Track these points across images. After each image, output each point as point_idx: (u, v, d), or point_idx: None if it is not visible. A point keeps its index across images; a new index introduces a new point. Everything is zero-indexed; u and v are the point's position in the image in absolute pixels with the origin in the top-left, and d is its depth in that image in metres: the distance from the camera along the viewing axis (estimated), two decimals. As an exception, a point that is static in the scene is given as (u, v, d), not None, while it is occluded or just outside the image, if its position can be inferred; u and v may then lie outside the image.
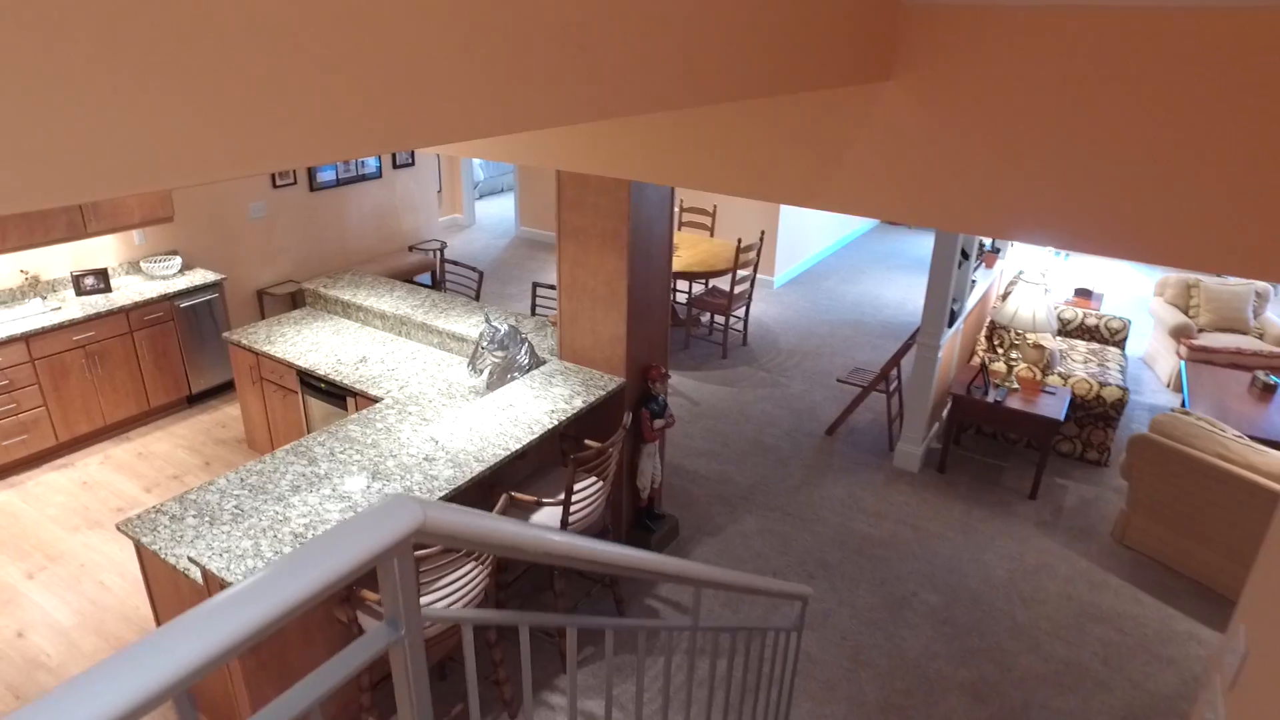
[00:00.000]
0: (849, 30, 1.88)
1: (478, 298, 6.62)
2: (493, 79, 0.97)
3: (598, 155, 2.63)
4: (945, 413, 6.32)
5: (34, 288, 5.94)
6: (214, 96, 0.70)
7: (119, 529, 3.35)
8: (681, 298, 8.67)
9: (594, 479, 3.85)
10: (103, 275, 6.08)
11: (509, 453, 3.74)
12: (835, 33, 1.83)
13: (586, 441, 4.10)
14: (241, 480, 3.69)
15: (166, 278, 6.43)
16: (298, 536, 3.13)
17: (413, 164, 8.78)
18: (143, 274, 6.49)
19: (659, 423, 4.55)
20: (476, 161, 13.15)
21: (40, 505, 5.25)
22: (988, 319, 6.92)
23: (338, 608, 3.21)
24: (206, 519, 3.40)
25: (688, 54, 1.37)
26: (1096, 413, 5.82)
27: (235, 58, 0.70)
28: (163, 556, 3.17)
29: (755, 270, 7.52)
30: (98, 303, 5.90)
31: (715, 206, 8.79)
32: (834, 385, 7.01)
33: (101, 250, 6.32)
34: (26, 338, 5.45)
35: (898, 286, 9.60)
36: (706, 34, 1.41)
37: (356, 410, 4.79)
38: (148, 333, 6.08)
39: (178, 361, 6.31)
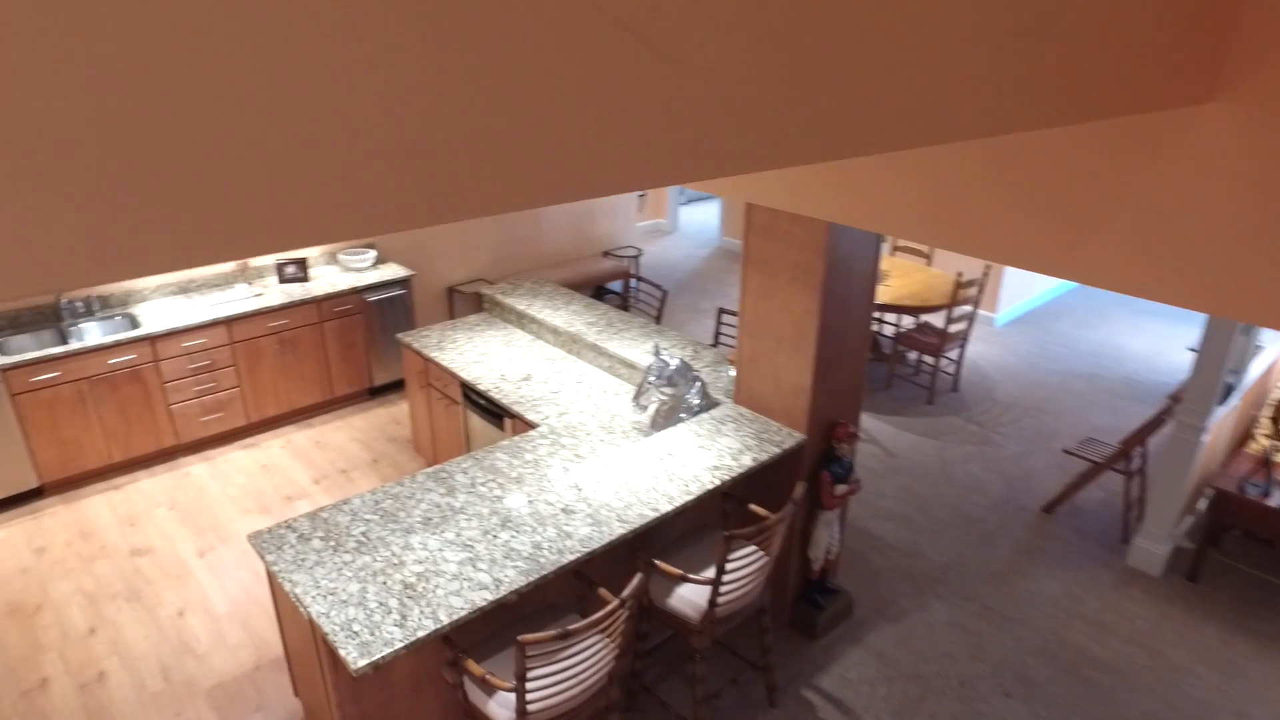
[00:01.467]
0: (1165, 29, 1.22)
1: (659, 319, 6.20)
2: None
3: (786, 189, 2.07)
4: (1204, 507, 5.15)
5: (243, 273, 6.20)
6: None
7: (249, 542, 3.21)
8: (888, 331, 7.84)
9: (753, 549, 3.30)
10: (302, 265, 6.25)
11: (657, 515, 3.26)
12: (1141, 34, 1.18)
13: (751, 507, 3.54)
14: (376, 503, 3.47)
15: (360, 270, 6.53)
16: (408, 588, 2.82)
17: (614, 167, 8.52)
18: (339, 265, 6.64)
19: (842, 489, 3.90)
20: (684, 165, 12.81)
21: (224, 483, 5.42)
22: (1275, 396, 5.60)
23: (446, 669, 2.88)
24: (332, 544, 3.18)
25: (919, 85, 0.82)
26: None
27: None
28: (280, 579, 2.97)
29: (976, 307, 6.59)
30: (294, 291, 6.06)
31: (935, 231, 7.87)
32: (1058, 453, 5.97)
33: (307, 239, 6.51)
34: (229, 321, 5.66)
35: (1147, 336, 8.18)
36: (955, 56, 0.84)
37: (514, 433, 4.51)
38: (336, 324, 6.18)
39: (362, 354, 6.39)
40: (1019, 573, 4.72)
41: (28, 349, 5.15)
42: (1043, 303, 8.97)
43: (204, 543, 4.84)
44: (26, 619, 4.26)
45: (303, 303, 5.96)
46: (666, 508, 3.30)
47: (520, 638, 2.45)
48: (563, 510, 3.27)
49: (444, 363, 4.95)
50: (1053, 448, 6.01)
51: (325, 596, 2.78)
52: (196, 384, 5.63)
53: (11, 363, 4.92)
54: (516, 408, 4.43)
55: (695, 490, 3.42)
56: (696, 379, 4.10)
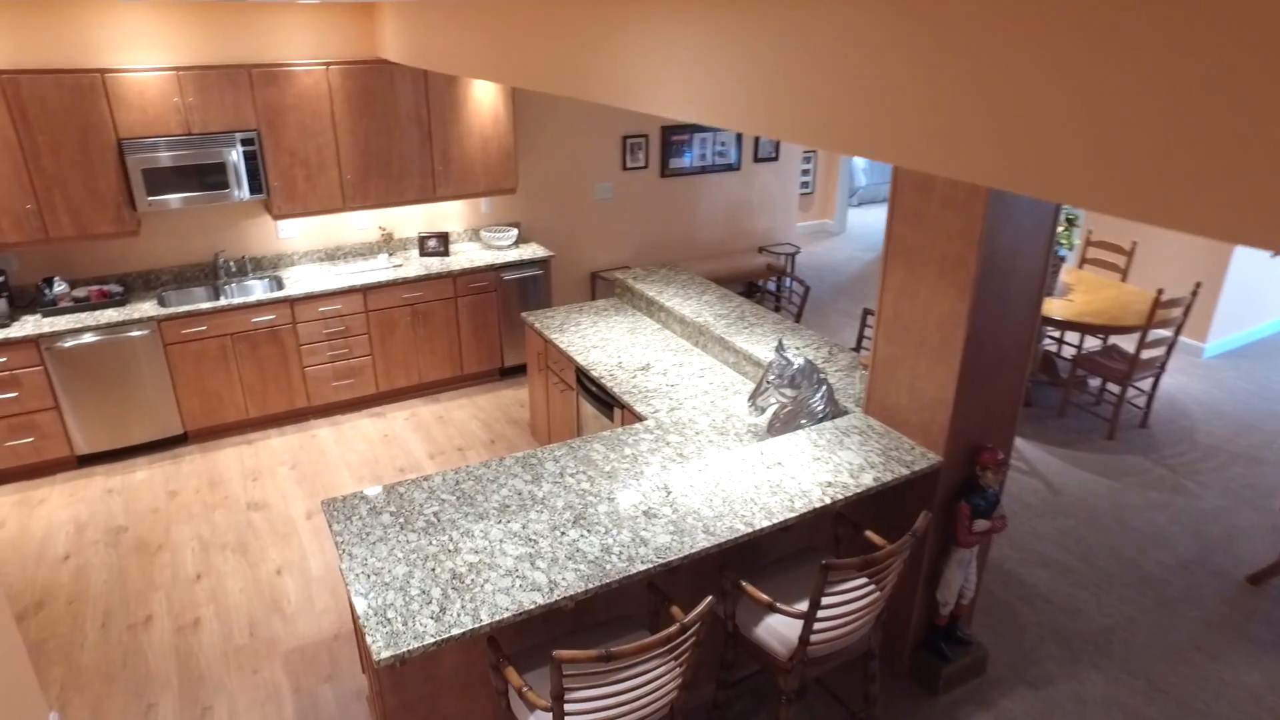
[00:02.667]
0: None
1: (799, 317, 5.70)
2: None
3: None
4: None
5: (387, 244, 6.27)
6: None
7: (322, 506, 3.08)
8: (1067, 352, 6.92)
9: (863, 583, 2.81)
10: (444, 239, 6.24)
11: (750, 531, 2.84)
12: None
13: (868, 534, 3.04)
14: (457, 483, 3.26)
15: (501, 248, 6.46)
16: (456, 578, 2.56)
17: (776, 159, 8.07)
18: (481, 242, 6.60)
19: (982, 525, 3.31)
20: (860, 166, 12.12)
21: (344, 448, 5.48)
22: None
23: (491, 672, 2.60)
24: (400, 520, 3.00)
25: None
26: None
27: None
28: (341, 551, 2.81)
29: (1178, 331, 5.62)
30: (433, 264, 6.06)
31: (1135, 244, 6.85)
32: (1274, 513, 4.96)
33: (451, 214, 6.52)
34: (365, 290, 5.72)
35: None
36: None
37: (622, 424, 4.21)
38: (471, 300, 6.13)
39: (494, 333, 6.31)
40: (1207, 653, 3.89)
41: (185, 303, 5.40)
42: (1270, 332, 7.64)
43: (313, 505, 4.87)
44: (148, 556, 4.41)
45: (439, 276, 5.94)
46: (763, 523, 2.87)
47: (556, 653, 2.13)
48: (644, 513, 2.92)
49: (562, 345, 4.72)
50: (1267, 506, 5.00)
51: (370, 575, 2.58)
52: (330, 349, 5.72)
53: (167, 314, 5.16)
54: (627, 398, 4.12)
55: (800, 507, 2.96)
56: (823, 382, 3.62)
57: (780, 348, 3.61)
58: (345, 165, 5.65)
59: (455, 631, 2.34)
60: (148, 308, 5.23)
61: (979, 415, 3.29)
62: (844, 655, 2.92)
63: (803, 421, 3.61)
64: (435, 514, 3.05)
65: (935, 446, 3.28)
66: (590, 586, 2.54)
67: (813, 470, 3.19)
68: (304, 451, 5.43)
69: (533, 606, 2.45)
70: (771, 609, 2.71)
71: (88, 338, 5.01)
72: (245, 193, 5.34)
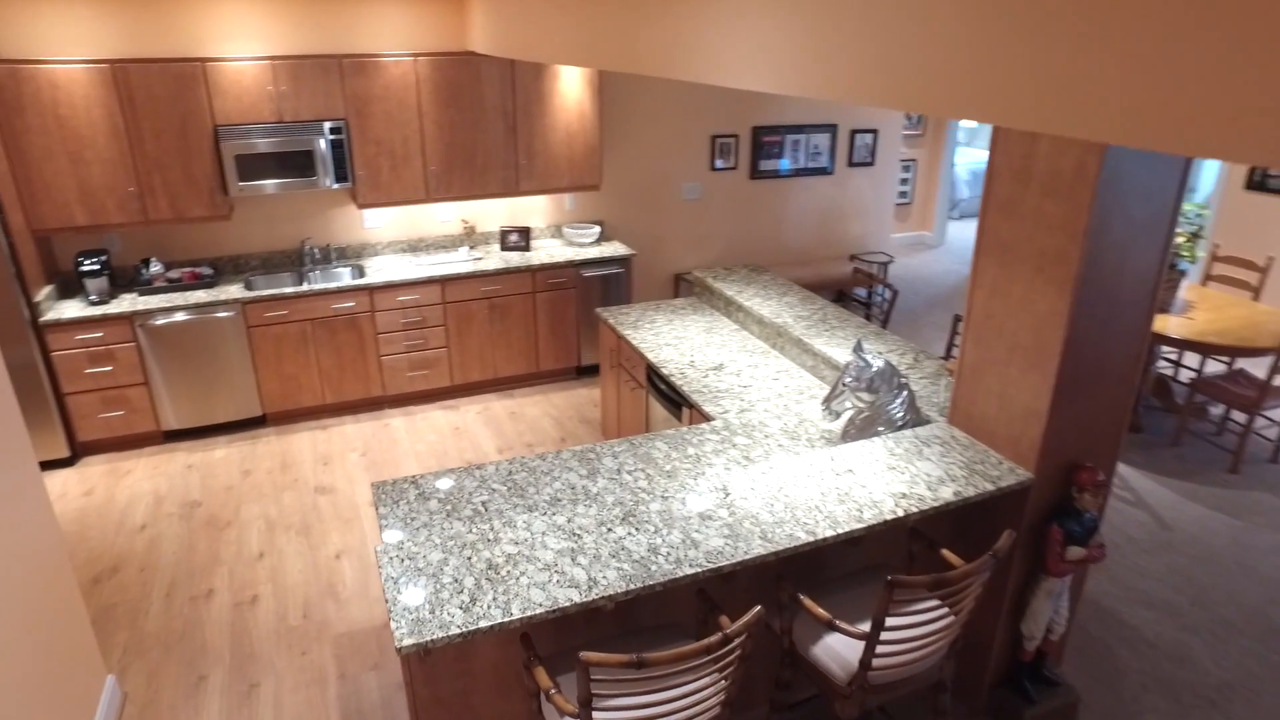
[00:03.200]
0: None
1: (885, 323, 5.39)
2: None
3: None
4: None
5: (469, 237, 6.28)
6: None
7: (372, 487, 3.02)
8: (1185, 375, 6.35)
9: (934, 605, 2.54)
10: (525, 233, 6.20)
11: (811, 540, 2.61)
12: None
13: (944, 553, 2.77)
14: (510, 473, 3.14)
15: (582, 245, 6.38)
16: (491, 569, 2.43)
17: (872, 163, 7.75)
18: (563, 239, 6.53)
19: (1077, 553, 2.98)
20: (963, 177, 11.60)
21: (415, 438, 5.47)
22: None
23: (524, 671, 2.45)
24: (448, 506, 2.90)
25: None
26: None
27: None
28: (381, 532, 2.73)
29: (1318, 359, 5.05)
30: (512, 259, 6.02)
31: (1271, 260, 6.24)
32: None
33: (535, 210, 6.48)
34: (443, 281, 5.72)
35: None
36: None
37: (689, 423, 4.02)
38: (549, 296, 6.06)
39: (572, 330, 6.22)
40: (1341, 716, 3.41)
41: (270, 288, 5.51)
42: None
43: (385, 492, 4.85)
44: (217, 532, 4.48)
45: (517, 270, 5.89)
46: (826, 533, 2.64)
47: (583, 655, 1.96)
48: (699, 515, 2.73)
49: (634, 341, 4.58)
50: None
51: (405, 559, 2.47)
52: (407, 339, 5.74)
53: (251, 297, 5.27)
54: (696, 397, 3.93)
55: (869, 519, 2.71)
56: (903, 387, 3.35)
57: (858, 348, 3.36)
58: (430, 156, 5.68)
59: (483, 624, 2.20)
60: (234, 290, 5.36)
61: (1077, 430, 2.96)
62: (911, 685, 2.65)
63: (880, 429, 3.35)
64: (484, 503, 2.93)
65: (1025, 462, 2.97)
66: (631, 587, 2.36)
67: (886, 480, 2.94)
68: (375, 439, 5.45)
69: (568, 604, 2.29)
70: (830, 626, 2.48)
71: (178, 317, 5.16)
72: (331, 181, 5.42)
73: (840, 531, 2.65)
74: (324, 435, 5.50)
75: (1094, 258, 2.66)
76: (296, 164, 5.32)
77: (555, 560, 2.48)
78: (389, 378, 5.79)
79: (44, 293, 5.02)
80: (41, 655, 2.80)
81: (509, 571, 2.42)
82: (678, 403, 4.15)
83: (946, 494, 2.85)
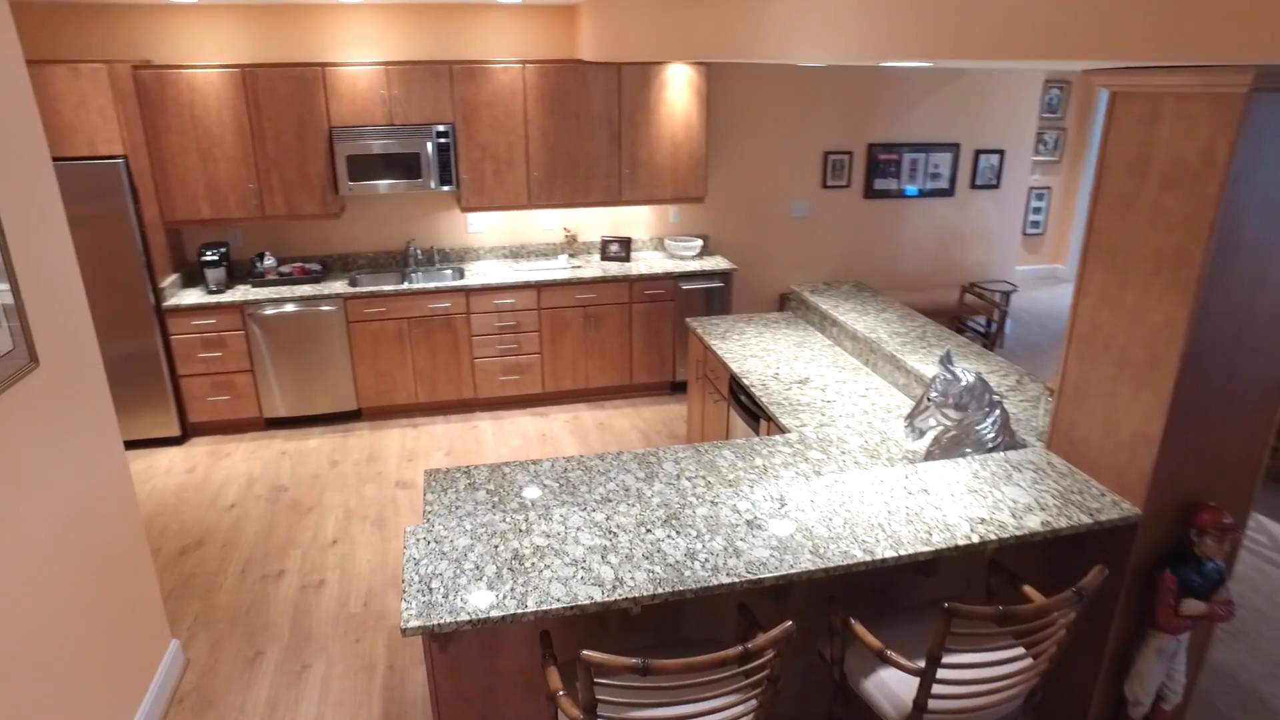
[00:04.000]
0: None
1: (992, 344, 4.98)
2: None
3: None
4: None
5: (570, 246, 6.27)
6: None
7: (424, 475, 2.96)
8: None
9: (1008, 644, 2.22)
10: (626, 244, 6.14)
11: (868, 559, 2.35)
12: None
13: (1026, 589, 2.43)
14: (565, 470, 3.03)
15: (683, 259, 6.26)
16: (517, 559, 2.30)
17: (997, 186, 7.28)
18: (665, 251, 6.44)
19: (1194, 606, 2.57)
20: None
21: (500, 442, 5.46)
22: None
23: (542, 674, 2.30)
24: (496, 498, 2.81)
25: None
26: None
27: None
28: (425, 518, 2.66)
29: None
30: (610, 268, 5.97)
31: None
32: None
33: (638, 221, 6.42)
34: (539, 286, 5.72)
35: None
36: None
37: (766, 434, 3.80)
38: (645, 307, 5.96)
39: (667, 344, 6.09)
40: None
41: (372, 286, 5.66)
42: None
43: (464, 491, 4.84)
44: (298, 517, 4.58)
45: (614, 279, 5.83)
46: (886, 553, 2.37)
47: (584, 654, 1.80)
48: (748, 523, 2.52)
49: (720, 351, 4.40)
50: None
51: (433, 543, 2.38)
52: (501, 343, 5.77)
53: (352, 293, 5.43)
54: (774, 409, 3.71)
55: (938, 542, 2.43)
56: (996, 405, 3.03)
57: (946, 360, 3.06)
58: (533, 162, 5.72)
59: (494, 614, 2.07)
60: (338, 286, 5.54)
61: (1197, 463, 2.57)
62: (979, 737, 2.32)
63: (967, 450, 3.04)
64: (533, 498, 2.83)
65: (1133, 495, 2.60)
66: (659, 591, 2.18)
67: (965, 503, 2.63)
68: (461, 440, 5.47)
69: (587, 602, 2.13)
70: (881, 657, 2.20)
71: (285, 309, 5.37)
72: (436, 183, 5.54)
73: (903, 553, 2.37)
74: (413, 433, 5.58)
75: (1222, 259, 2.30)
76: (404, 165, 5.47)
77: (584, 556, 2.33)
78: (481, 381, 5.82)
79: (169, 280, 5.33)
80: (109, 615, 2.89)
81: (534, 563, 2.28)
82: (757, 415, 3.93)
83: (1033, 523, 2.52)
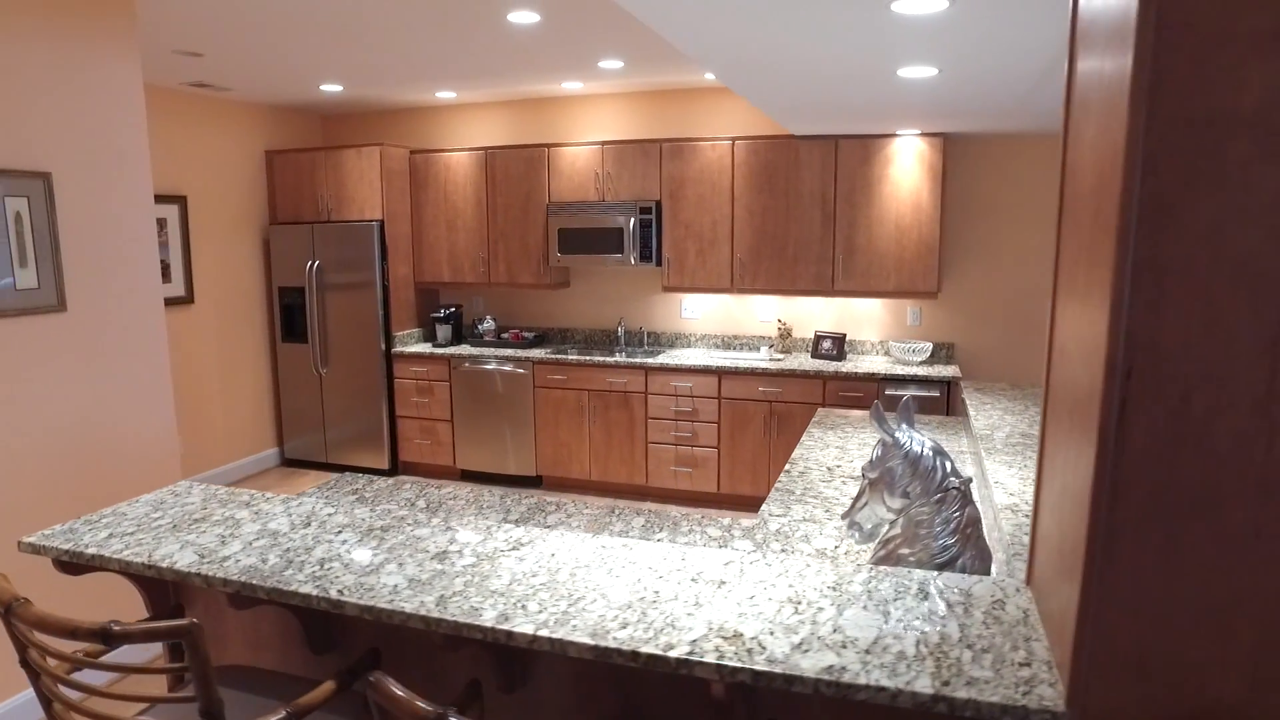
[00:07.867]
0: None
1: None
2: None
3: None
4: None
5: (783, 340, 5.62)
6: None
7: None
8: None
9: None
10: (839, 341, 5.32)
11: (487, 626, 1.54)
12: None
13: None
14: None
15: (907, 363, 5.20)
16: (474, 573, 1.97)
17: None
18: (890, 356, 5.42)
19: None
20: None
21: (642, 532, 4.94)
22: None
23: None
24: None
25: None
26: None
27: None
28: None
29: None
30: (806, 363, 5.20)
31: None
32: None
33: (867, 320, 5.55)
34: (720, 372, 5.21)
35: None
36: None
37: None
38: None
39: (867, 460, 5.02)
40: None
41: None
42: None
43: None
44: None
45: (803, 374, 5.06)
46: (523, 628, 1.53)
47: (374, 676, 1.43)
48: (434, 555, 1.85)
49: (805, 440, 3.49)
50: None
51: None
52: (676, 429, 5.33)
53: (540, 357, 5.54)
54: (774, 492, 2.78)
55: (651, 648, 1.49)
56: (958, 494, 1.86)
57: (891, 414, 1.99)
58: (738, 243, 5.34)
59: (281, 587, 1.79)
60: (534, 351, 5.69)
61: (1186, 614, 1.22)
62: None
63: (909, 558, 1.89)
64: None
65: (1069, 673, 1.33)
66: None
67: (752, 606, 1.60)
68: (602, 520, 5.08)
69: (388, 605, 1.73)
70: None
71: (485, 365, 5.67)
72: (636, 259, 5.46)
73: (553, 636, 1.51)
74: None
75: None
76: (608, 240, 5.51)
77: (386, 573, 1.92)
78: (653, 467, 5.41)
79: (408, 333, 6.02)
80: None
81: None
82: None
83: (902, 679, 1.42)
